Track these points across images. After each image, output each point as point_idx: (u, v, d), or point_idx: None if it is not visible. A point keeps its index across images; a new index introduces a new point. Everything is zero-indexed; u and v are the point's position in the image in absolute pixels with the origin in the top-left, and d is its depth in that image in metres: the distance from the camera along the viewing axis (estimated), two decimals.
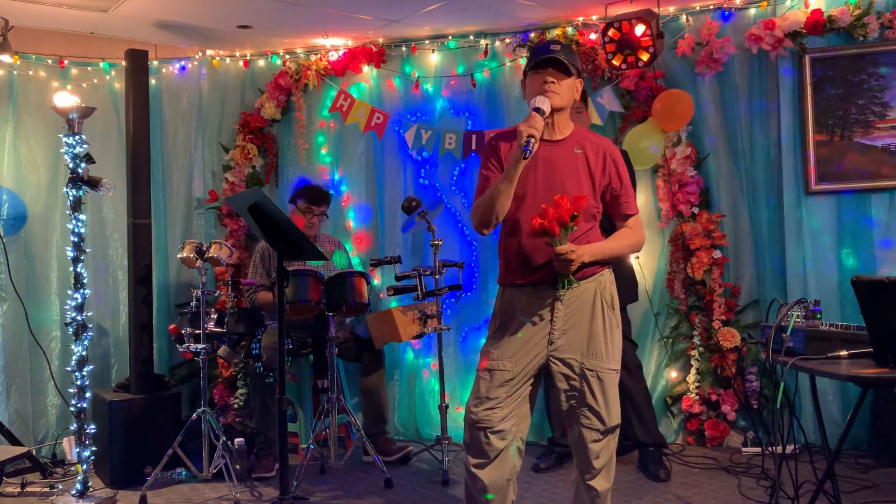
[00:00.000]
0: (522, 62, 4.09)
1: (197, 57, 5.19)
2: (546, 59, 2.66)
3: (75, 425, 3.80)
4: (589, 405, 2.68)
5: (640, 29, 4.10)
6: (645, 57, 4.15)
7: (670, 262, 4.56)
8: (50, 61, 4.90)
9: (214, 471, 3.99)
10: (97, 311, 4.87)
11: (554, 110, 2.67)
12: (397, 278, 4.22)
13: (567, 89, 2.68)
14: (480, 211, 2.69)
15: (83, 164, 3.79)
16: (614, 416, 2.71)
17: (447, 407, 4.20)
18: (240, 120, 5.15)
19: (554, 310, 2.67)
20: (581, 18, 4.67)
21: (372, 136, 5.04)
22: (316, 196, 4.62)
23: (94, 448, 3.88)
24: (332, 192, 4.90)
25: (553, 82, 2.65)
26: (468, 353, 4.90)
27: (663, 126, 4.44)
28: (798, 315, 2.85)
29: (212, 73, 5.19)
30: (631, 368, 3.99)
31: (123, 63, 4.53)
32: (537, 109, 2.58)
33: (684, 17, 4.52)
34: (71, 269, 3.83)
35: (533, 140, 2.51)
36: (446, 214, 4.95)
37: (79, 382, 3.80)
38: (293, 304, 3.98)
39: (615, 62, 4.27)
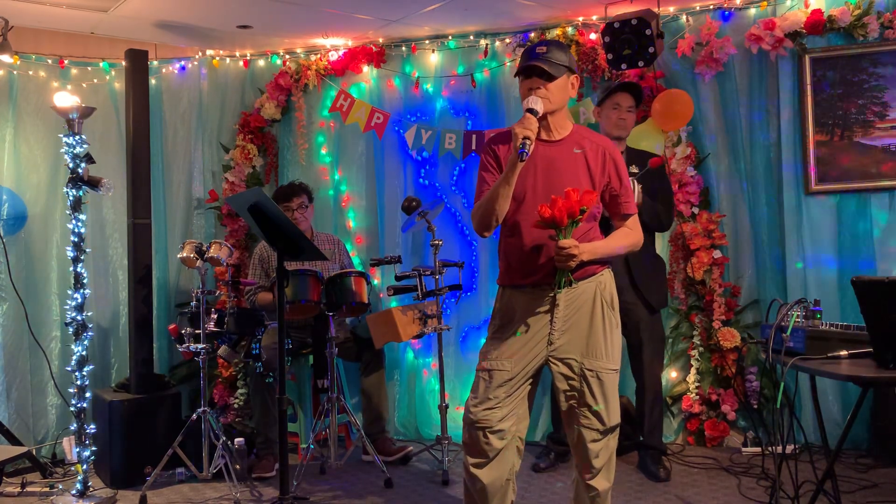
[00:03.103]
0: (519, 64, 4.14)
1: (197, 57, 5.19)
2: (528, 66, 2.65)
3: (75, 425, 3.80)
4: (589, 405, 2.68)
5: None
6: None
7: (670, 262, 4.56)
8: (50, 61, 4.90)
9: (214, 471, 3.99)
10: (97, 311, 4.87)
11: (547, 113, 2.67)
12: (397, 278, 4.22)
13: (556, 91, 2.66)
14: (480, 214, 2.68)
15: (83, 164, 3.79)
16: (614, 416, 2.71)
17: (447, 407, 4.20)
18: (240, 120, 5.15)
19: (554, 310, 2.67)
20: (581, 18, 4.67)
21: (372, 136, 5.04)
22: (284, 193, 4.58)
23: (94, 448, 3.88)
24: (304, 182, 4.75)
25: (539, 88, 2.64)
26: (468, 353, 4.90)
27: (662, 126, 4.44)
28: (798, 315, 2.85)
29: (212, 73, 5.19)
30: (656, 372, 4.03)
31: (123, 63, 4.53)
32: (530, 110, 2.58)
33: (684, 17, 4.52)
34: (71, 269, 3.83)
35: (528, 142, 2.50)
36: (446, 214, 4.95)
37: (79, 382, 3.80)
38: (293, 304, 3.98)
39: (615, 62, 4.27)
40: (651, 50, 4.13)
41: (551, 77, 2.64)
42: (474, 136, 4.81)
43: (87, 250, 3.89)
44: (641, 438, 4.06)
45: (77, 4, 4.19)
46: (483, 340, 2.83)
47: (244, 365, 4.57)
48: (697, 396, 4.43)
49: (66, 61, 4.94)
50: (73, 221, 3.81)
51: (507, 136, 2.70)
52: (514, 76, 2.78)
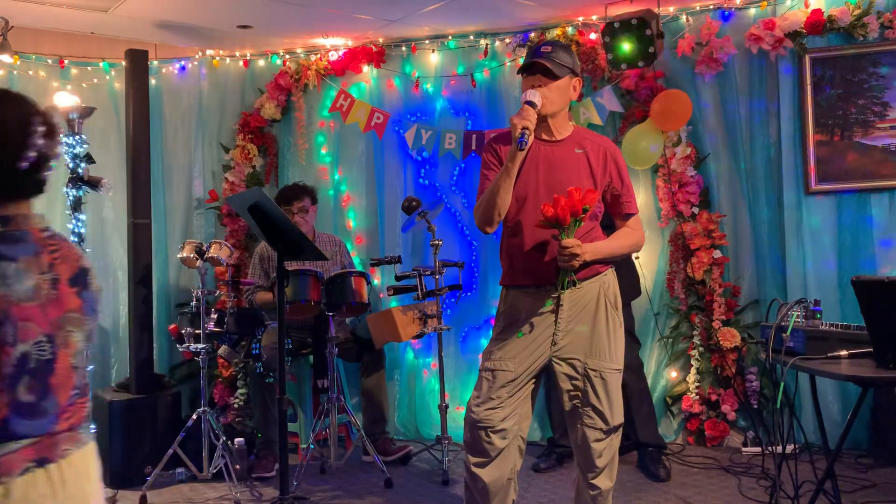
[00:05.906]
0: (522, 62, 4.19)
1: (197, 57, 5.19)
2: (532, 63, 2.65)
3: None
4: (592, 405, 2.68)
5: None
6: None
7: (670, 262, 4.56)
8: (50, 61, 4.90)
9: (214, 471, 3.99)
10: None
11: (547, 115, 2.66)
12: (397, 278, 4.22)
13: (557, 91, 2.66)
14: (482, 209, 2.68)
15: (83, 164, 3.80)
16: (617, 416, 2.71)
17: (447, 407, 4.20)
18: (240, 120, 5.15)
19: (558, 310, 2.67)
20: (581, 18, 4.67)
21: (372, 136, 5.04)
22: (287, 195, 4.56)
23: None
24: (307, 184, 4.74)
25: (541, 86, 2.64)
26: (468, 353, 4.90)
27: (662, 127, 4.43)
28: (798, 315, 2.85)
29: (212, 73, 5.19)
30: (633, 367, 3.99)
31: (123, 63, 4.53)
32: (529, 103, 2.58)
33: (684, 17, 4.52)
34: None
35: (527, 132, 2.51)
36: (446, 214, 4.94)
37: None
38: (293, 304, 3.98)
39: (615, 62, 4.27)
40: (651, 50, 4.13)
41: (554, 76, 2.64)
42: (474, 136, 4.81)
43: (87, 250, 3.90)
44: (639, 438, 4.06)
45: (77, 4, 4.19)
46: (483, 340, 2.84)
47: (244, 365, 4.57)
48: (697, 396, 4.43)
49: (66, 61, 4.94)
50: (73, 221, 3.81)
51: (510, 136, 2.70)
52: (518, 73, 2.78)
